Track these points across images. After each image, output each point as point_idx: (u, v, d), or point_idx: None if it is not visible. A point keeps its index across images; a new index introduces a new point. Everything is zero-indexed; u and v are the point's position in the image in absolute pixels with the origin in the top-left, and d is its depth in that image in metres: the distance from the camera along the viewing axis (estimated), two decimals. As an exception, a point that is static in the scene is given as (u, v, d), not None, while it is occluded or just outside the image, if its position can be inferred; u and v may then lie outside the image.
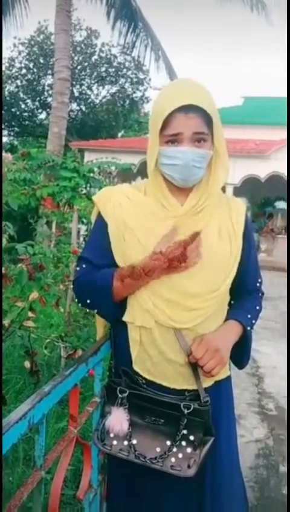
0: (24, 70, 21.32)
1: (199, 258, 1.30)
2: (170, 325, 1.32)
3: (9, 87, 21.26)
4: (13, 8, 11.58)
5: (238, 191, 15.07)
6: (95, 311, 1.48)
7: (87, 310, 3.01)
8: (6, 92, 20.96)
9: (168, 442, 1.30)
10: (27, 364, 2.33)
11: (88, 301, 1.42)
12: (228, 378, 1.49)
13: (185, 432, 1.30)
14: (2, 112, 21.41)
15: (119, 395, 1.35)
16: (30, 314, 1.99)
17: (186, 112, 1.26)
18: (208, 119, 1.29)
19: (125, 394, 1.35)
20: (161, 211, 1.37)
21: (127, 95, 22.20)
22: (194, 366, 1.33)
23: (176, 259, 1.25)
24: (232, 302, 1.50)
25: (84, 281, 1.42)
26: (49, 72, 20.03)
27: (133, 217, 1.37)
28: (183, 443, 1.30)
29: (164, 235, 1.32)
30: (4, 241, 2.23)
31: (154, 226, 1.35)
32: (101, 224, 1.42)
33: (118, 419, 1.34)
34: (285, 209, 17.35)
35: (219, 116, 1.33)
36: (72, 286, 3.26)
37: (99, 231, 1.42)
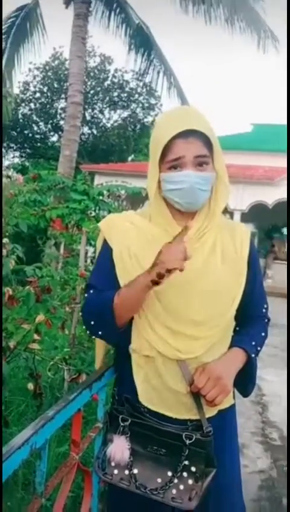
0: (38, 94, 21.77)
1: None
2: (174, 355, 1.32)
3: (23, 110, 21.68)
4: (31, 35, 11.96)
5: (245, 217, 15.11)
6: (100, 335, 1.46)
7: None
8: (20, 115, 21.36)
9: (170, 473, 1.28)
10: (30, 386, 2.32)
11: (92, 323, 1.39)
12: (232, 407, 1.47)
13: (186, 462, 1.28)
14: (15, 134, 21.73)
15: (121, 424, 1.34)
16: (36, 336, 2.00)
17: (185, 137, 1.28)
18: (207, 143, 1.32)
19: (127, 423, 1.34)
20: (164, 237, 1.38)
21: (138, 120, 22.53)
22: (197, 396, 1.32)
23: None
24: (237, 328, 1.49)
25: (90, 304, 1.42)
26: (62, 96, 20.45)
27: (137, 243, 1.38)
28: (185, 474, 1.27)
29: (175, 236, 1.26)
30: (13, 262, 2.26)
31: (157, 252, 1.36)
32: (106, 250, 1.43)
33: (120, 448, 1.32)
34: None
35: (217, 138, 1.35)
36: (77, 308, 3.28)
37: (105, 257, 1.43)
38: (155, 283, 1.23)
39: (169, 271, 1.20)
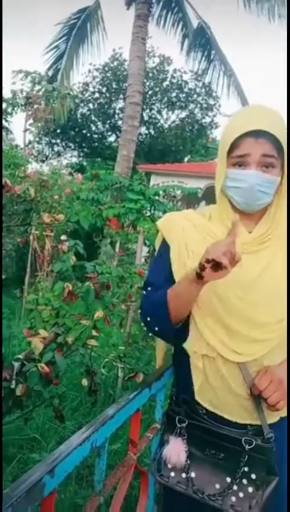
0: (97, 95, 22.11)
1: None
2: (233, 357, 1.28)
3: (81, 110, 22.09)
4: (92, 36, 12.19)
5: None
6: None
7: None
8: (78, 115, 21.79)
9: (229, 479, 1.24)
10: (84, 382, 2.33)
11: (148, 319, 1.39)
12: (295, 415, 1.41)
13: (246, 469, 1.24)
14: (73, 133, 22.20)
15: (178, 425, 1.32)
16: (94, 333, 2.00)
17: (256, 136, 1.25)
18: (278, 146, 1.27)
19: (184, 424, 1.31)
20: (224, 236, 1.34)
21: (196, 120, 22.37)
22: (258, 399, 1.27)
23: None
24: None
25: (147, 301, 1.42)
26: (121, 96, 20.66)
27: (196, 242, 1.36)
28: (245, 481, 1.23)
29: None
30: (74, 258, 2.29)
31: None
32: (165, 248, 1.43)
33: (176, 450, 1.30)
34: None
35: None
36: (133, 307, 3.28)
37: (163, 255, 1.42)
38: (199, 276, 1.19)
39: (210, 263, 1.15)
